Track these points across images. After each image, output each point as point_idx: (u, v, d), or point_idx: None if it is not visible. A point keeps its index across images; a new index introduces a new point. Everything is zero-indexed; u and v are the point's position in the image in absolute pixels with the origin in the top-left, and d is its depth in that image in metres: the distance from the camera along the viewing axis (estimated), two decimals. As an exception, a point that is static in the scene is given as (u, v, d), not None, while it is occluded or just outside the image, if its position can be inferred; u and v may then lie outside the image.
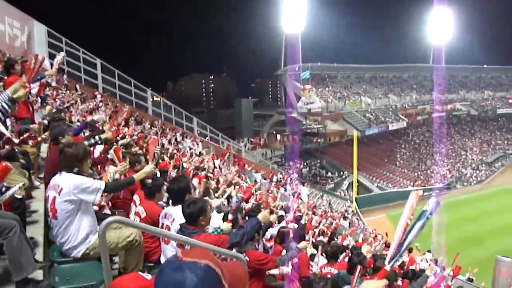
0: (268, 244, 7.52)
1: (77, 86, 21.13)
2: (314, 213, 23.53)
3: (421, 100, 71.88)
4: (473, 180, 56.79)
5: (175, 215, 4.92)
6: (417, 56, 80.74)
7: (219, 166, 21.38)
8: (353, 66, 74.25)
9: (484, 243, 33.46)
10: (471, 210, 42.99)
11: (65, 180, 4.16)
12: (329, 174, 52.77)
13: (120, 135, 10.97)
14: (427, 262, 16.78)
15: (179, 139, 25.12)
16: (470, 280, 19.74)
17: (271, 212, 5.86)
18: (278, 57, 64.97)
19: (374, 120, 62.10)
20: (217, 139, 35.71)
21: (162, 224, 5.06)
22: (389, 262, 2.15)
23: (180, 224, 4.57)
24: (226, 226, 4.92)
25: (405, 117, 66.12)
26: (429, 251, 18.81)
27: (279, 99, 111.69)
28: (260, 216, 5.07)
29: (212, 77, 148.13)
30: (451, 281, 13.48)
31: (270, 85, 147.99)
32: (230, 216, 5.23)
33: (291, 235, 7.18)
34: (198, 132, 33.87)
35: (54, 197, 4.16)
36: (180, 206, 4.73)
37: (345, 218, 34.81)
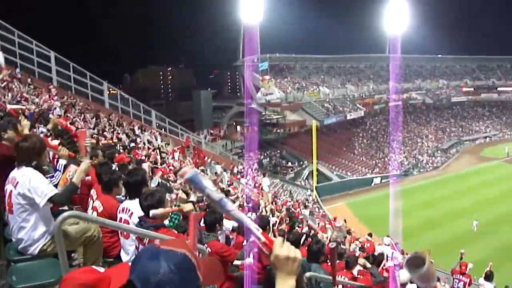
0: (231, 236, 7.57)
1: (29, 80, 20.52)
2: (275, 202, 23.75)
3: (378, 90, 73.15)
4: (429, 166, 58.36)
5: (133, 208, 4.84)
6: (374, 47, 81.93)
7: (178, 159, 21.25)
8: (311, 56, 74.79)
9: (441, 227, 34.43)
10: (427, 195, 44.14)
11: (22, 174, 4.08)
12: (289, 164, 53.17)
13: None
14: (387, 245, 17.12)
15: (137, 132, 24.77)
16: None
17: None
18: (237, 48, 64.80)
19: (332, 110, 62.87)
20: (177, 131, 35.36)
21: (120, 218, 4.95)
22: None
23: (138, 217, 4.49)
24: (189, 206, 4.96)
25: (363, 106, 67.23)
26: (388, 236, 19.24)
27: (238, 90, 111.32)
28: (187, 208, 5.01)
29: (170, 69, 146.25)
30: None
31: (229, 76, 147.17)
32: (193, 197, 5.20)
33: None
34: (157, 124, 33.45)
35: (11, 191, 4.08)
36: (137, 200, 4.67)
37: (305, 207, 35.20)
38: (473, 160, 60.85)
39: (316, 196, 44.71)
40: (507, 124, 79.84)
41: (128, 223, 4.76)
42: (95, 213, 5.26)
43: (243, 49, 62.55)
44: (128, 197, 5.17)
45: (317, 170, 49.04)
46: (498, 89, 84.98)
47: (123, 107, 30.04)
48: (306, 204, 37.44)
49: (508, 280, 18.23)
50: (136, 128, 25.83)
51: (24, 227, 4.03)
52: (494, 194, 43.37)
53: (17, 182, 4.04)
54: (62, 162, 5.26)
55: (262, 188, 29.23)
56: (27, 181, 3.99)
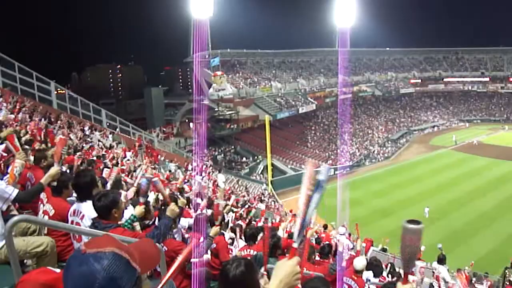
0: (187, 235, 7.41)
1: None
2: (229, 199, 23.62)
3: (329, 83, 74.05)
4: (380, 156, 59.51)
5: (84, 211, 4.68)
6: (324, 41, 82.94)
7: (131, 158, 20.79)
8: (263, 51, 75.08)
9: (394, 214, 35.17)
10: (380, 185, 45.07)
11: None
12: (244, 159, 53.13)
13: (23, 131, 10.36)
14: (342, 235, 17.28)
15: (87, 132, 24.11)
16: (384, 250, 20.63)
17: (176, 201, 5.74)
18: (187, 44, 64.17)
19: (284, 104, 63.18)
20: (128, 130, 34.64)
21: (72, 221, 4.77)
22: (297, 239, 2.08)
23: (92, 219, 4.36)
24: (139, 210, 4.87)
25: (314, 100, 67.88)
26: (343, 226, 19.46)
27: (190, 87, 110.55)
28: (168, 212, 4.96)
29: (120, 66, 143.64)
30: (366, 254, 13.98)
31: (180, 73, 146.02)
32: (141, 199, 5.07)
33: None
34: (108, 124, 32.68)
35: None
36: (88, 202, 4.57)
37: (261, 201, 35.25)
38: (423, 149, 62.52)
39: (271, 190, 44.90)
40: (454, 114, 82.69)
41: (80, 226, 4.61)
42: (46, 217, 5.07)
43: (194, 45, 62.00)
44: (78, 199, 4.94)
45: (272, 164, 49.21)
46: (445, 80, 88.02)
47: (72, 107, 29.16)
48: (262, 198, 37.52)
49: (460, 263, 18.80)
50: (86, 128, 25.15)
51: None
52: (443, 181, 44.76)
53: None
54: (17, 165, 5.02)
55: (217, 185, 29.07)
56: None
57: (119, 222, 4.51)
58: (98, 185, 5.29)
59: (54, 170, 4.75)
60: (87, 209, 4.59)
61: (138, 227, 4.95)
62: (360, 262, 7.58)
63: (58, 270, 1.86)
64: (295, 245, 2.07)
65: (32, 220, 3.63)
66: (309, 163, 2.12)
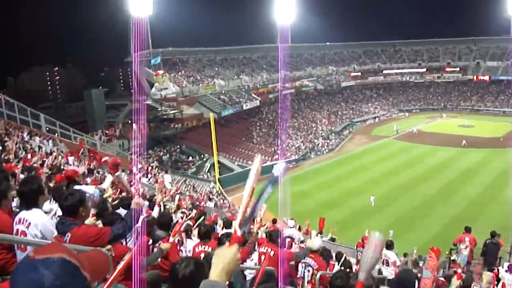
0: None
1: None
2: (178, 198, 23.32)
3: (271, 79, 74.53)
4: (325, 149, 60.42)
5: (30, 219, 4.48)
6: (265, 37, 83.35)
7: (73, 163, 20.14)
8: (204, 49, 74.98)
9: (341, 205, 35.84)
10: (326, 176, 45.86)
11: None
12: (190, 158, 52.67)
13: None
14: (292, 228, 17.38)
15: (26, 138, 23.21)
16: (332, 239, 20.93)
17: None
18: (127, 43, 62.86)
19: (228, 101, 63.13)
20: (69, 134, 33.58)
21: (17, 230, 4.53)
22: (240, 228, 2.07)
23: (59, 216, 4.45)
24: (90, 220, 4.73)
25: (258, 96, 68.21)
26: (292, 219, 19.59)
27: (131, 87, 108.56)
28: (133, 205, 4.97)
29: (57, 68, 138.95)
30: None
31: (121, 73, 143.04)
32: (93, 210, 4.93)
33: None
34: (47, 129, 31.58)
35: None
36: (35, 209, 4.49)
37: (210, 199, 35.08)
38: (365, 139, 64.09)
39: (219, 188, 44.75)
40: (393, 104, 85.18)
41: (25, 234, 4.44)
42: None
43: (133, 45, 60.81)
44: (24, 208, 4.71)
45: (218, 162, 49.01)
46: (384, 72, 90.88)
47: (8, 113, 27.96)
48: (211, 196, 37.35)
49: (407, 247, 19.32)
50: (25, 134, 24.21)
51: None
52: (387, 169, 46.12)
53: None
54: None
55: (164, 185, 28.64)
56: None
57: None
58: (45, 193, 5.04)
59: None
60: (34, 217, 4.45)
61: (100, 224, 4.87)
62: (316, 242, 7.77)
63: None
64: (238, 233, 2.05)
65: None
66: (258, 157, 2.11)
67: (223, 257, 1.96)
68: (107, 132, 61.57)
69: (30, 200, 4.65)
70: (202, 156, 52.81)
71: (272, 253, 7.37)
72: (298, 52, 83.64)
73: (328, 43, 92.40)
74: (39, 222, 4.42)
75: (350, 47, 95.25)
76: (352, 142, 63.88)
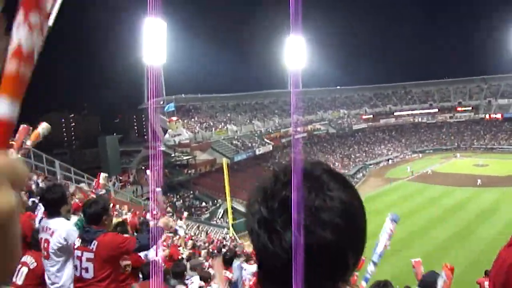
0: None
1: None
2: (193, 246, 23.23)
3: (283, 124, 74.97)
4: (338, 193, 59.89)
5: (54, 227, 4.62)
6: (276, 83, 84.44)
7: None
8: (217, 96, 75.83)
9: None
10: (339, 221, 45.31)
11: None
12: (203, 204, 52.64)
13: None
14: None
15: (41, 185, 23.47)
16: None
17: None
18: (141, 91, 64.10)
19: (241, 146, 63.48)
20: (83, 181, 33.84)
21: (41, 238, 4.72)
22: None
23: (84, 226, 4.46)
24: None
25: (270, 140, 68.49)
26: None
27: (145, 133, 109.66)
28: (161, 222, 4.87)
29: (73, 115, 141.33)
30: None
31: (135, 120, 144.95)
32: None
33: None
34: (62, 175, 31.86)
35: None
36: (57, 218, 4.63)
37: (224, 246, 34.79)
38: (379, 182, 63.47)
39: (233, 233, 44.49)
40: (406, 146, 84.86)
41: (49, 242, 4.59)
42: (25, 269, 5.00)
43: (148, 92, 61.89)
44: (47, 216, 4.89)
45: (232, 207, 48.92)
46: (395, 114, 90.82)
47: (24, 159, 28.28)
48: (224, 243, 37.07)
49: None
50: (40, 180, 24.48)
51: None
52: (402, 211, 45.28)
53: None
54: None
55: (177, 233, 28.54)
56: None
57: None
58: (68, 202, 5.19)
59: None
60: (58, 225, 4.58)
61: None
62: None
63: None
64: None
65: None
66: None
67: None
68: (121, 178, 61.81)
69: (53, 208, 4.77)
70: (215, 201, 52.79)
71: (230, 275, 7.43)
72: (309, 96, 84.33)
73: (338, 87, 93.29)
74: (62, 230, 4.53)
75: (361, 90, 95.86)
76: (366, 185, 63.40)
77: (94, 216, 4.40)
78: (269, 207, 1.00)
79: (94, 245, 4.22)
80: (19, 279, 4.94)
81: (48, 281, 4.69)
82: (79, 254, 4.31)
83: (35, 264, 5.02)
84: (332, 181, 1.03)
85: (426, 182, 58.39)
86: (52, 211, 4.77)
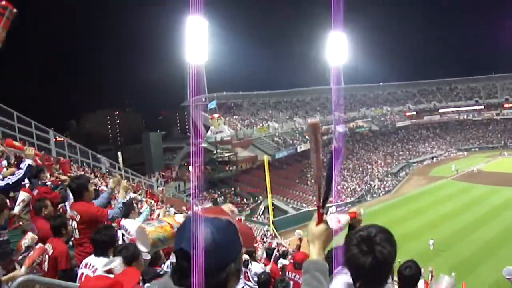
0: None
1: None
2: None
3: (325, 121, 74.47)
4: (381, 191, 59.44)
5: (97, 265, 4.74)
6: (318, 79, 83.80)
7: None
8: (258, 93, 75.95)
9: (398, 249, 34.85)
10: (382, 219, 44.67)
11: None
12: (244, 200, 52.99)
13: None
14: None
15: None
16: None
17: None
18: (184, 88, 64.99)
19: (282, 143, 63.56)
20: (127, 176, 34.66)
21: (82, 274, 4.83)
22: (321, 205, 2.28)
23: None
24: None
25: (311, 138, 68.16)
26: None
27: (188, 130, 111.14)
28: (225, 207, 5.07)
29: (117, 112, 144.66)
30: None
31: (177, 117, 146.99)
32: None
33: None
34: (107, 171, 32.69)
35: None
36: (102, 258, 4.77)
37: (264, 243, 35.01)
38: (423, 180, 62.49)
39: (273, 230, 44.66)
40: (451, 143, 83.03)
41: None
42: (46, 256, 5.19)
43: (190, 89, 62.76)
44: (94, 254, 5.04)
45: (273, 204, 49.15)
46: (440, 110, 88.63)
47: (70, 155, 29.19)
48: (264, 240, 37.30)
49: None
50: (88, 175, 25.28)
51: None
52: (447, 211, 44.60)
53: None
54: (28, 161, 5.23)
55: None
56: None
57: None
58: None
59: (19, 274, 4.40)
60: (100, 264, 4.62)
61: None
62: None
63: (112, 276, 2.00)
64: (321, 210, 2.29)
65: (37, 280, 3.75)
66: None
67: (318, 235, 2.21)
68: (164, 174, 63.03)
69: (100, 249, 4.94)
70: (256, 198, 53.06)
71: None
72: (351, 93, 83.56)
73: (381, 83, 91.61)
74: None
75: (404, 86, 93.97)
76: (410, 184, 62.52)
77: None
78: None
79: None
80: (45, 267, 5.17)
81: None
82: None
83: (52, 251, 5.25)
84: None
85: (471, 181, 57.00)
86: (100, 252, 4.96)
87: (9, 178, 5.22)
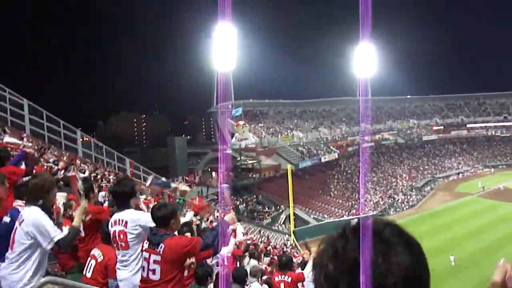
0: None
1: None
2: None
3: (351, 132, 74.24)
4: (405, 205, 58.77)
5: (126, 218, 4.89)
6: (345, 90, 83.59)
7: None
8: (284, 101, 76.10)
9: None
10: (404, 235, 44.24)
11: (29, 213, 4.13)
12: (266, 209, 52.94)
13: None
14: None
15: (112, 181, 24.51)
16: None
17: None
18: (211, 94, 65.56)
19: (306, 153, 63.40)
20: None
21: (114, 231, 4.95)
22: None
23: (150, 228, 4.57)
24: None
25: (336, 148, 67.98)
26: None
27: (213, 136, 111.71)
28: (227, 217, 4.96)
29: (144, 115, 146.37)
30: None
31: (203, 123, 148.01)
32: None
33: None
34: (131, 172, 33.06)
35: (16, 228, 4.14)
36: (127, 210, 4.90)
37: (284, 252, 34.90)
38: (448, 196, 61.53)
39: (294, 240, 44.53)
40: (478, 160, 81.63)
41: (125, 233, 4.83)
42: (93, 262, 5.32)
43: (217, 96, 63.27)
44: (117, 209, 5.17)
45: (294, 214, 49.00)
46: (467, 126, 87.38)
47: (96, 156, 29.62)
48: (284, 249, 37.17)
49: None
50: (111, 177, 25.57)
51: (21, 266, 4.04)
52: (471, 228, 43.93)
53: (23, 220, 4.10)
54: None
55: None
56: (33, 220, 4.05)
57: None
58: (137, 196, 5.57)
59: (81, 207, 4.84)
60: (129, 216, 4.84)
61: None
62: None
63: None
64: None
65: (59, 282, 3.86)
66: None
67: None
68: (187, 178, 63.36)
69: (123, 201, 5.04)
70: (278, 207, 52.99)
71: (289, 279, 7.60)
72: (378, 105, 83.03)
73: (408, 96, 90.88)
74: (134, 218, 4.79)
75: (432, 100, 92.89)
76: (434, 199, 61.62)
77: (162, 219, 4.48)
78: (337, 266, 1.03)
79: (161, 248, 4.33)
80: (88, 272, 5.28)
81: (122, 270, 4.96)
82: (147, 256, 4.46)
83: (102, 257, 5.33)
84: (400, 245, 1.09)
85: (497, 199, 55.94)
86: (122, 204, 5.04)
87: None
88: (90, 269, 5.30)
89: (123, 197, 5.06)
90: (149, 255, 4.44)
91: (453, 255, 34.55)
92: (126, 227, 4.84)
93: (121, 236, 4.83)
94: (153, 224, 4.59)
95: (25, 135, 21.94)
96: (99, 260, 5.30)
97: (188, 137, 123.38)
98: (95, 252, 5.40)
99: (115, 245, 5.01)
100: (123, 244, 4.84)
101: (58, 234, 4.14)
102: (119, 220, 4.93)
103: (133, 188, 5.21)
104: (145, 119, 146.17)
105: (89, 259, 5.41)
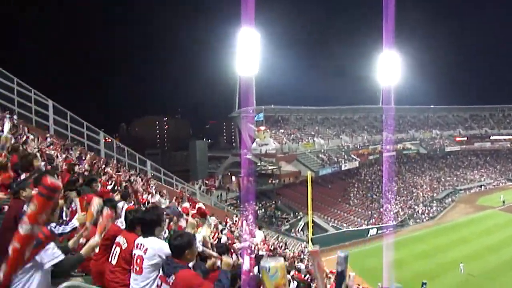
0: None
1: (26, 128, 20.50)
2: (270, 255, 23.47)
3: (372, 140, 73.81)
4: (425, 216, 58.15)
5: (147, 245, 4.94)
6: (368, 98, 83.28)
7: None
8: (306, 108, 75.99)
9: (437, 277, 34.19)
10: (424, 246, 43.92)
11: None
12: (285, 215, 52.92)
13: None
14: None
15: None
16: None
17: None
18: (233, 99, 65.84)
19: (327, 160, 63.20)
20: (171, 181, 35.26)
21: (134, 254, 5.01)
22: None
23: (166, 257, 4.65)
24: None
25: (357, 157, 67.63)
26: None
27: (233, 141, 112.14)
28: (224, 265, 5.13)
29: (166, 119, 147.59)
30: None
31: (224, 127, 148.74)
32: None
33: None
34: (152, 175, 33.36)
35: None
36: (150, 238, 4.94)
37: (301, 260, 34.80)
38: (469, 209, 60.76)
39: (312, 248, 44.30)
40: (501, 173, 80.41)
41: (142, 259, 4.87)
42: (118, 249, 5.35)
43: (239, 101, 63.60)
44: (142, 235, 5.21)
45: (313, 221, 48.81)
46: (491, 138, 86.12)
47: (118, 157, 29.97)
48: (302, 256, 37.05)
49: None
50: (132, 179, 25.83)
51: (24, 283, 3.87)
52: (491, 243, 43.35)
53: None
54: (76, 224, 5.31)
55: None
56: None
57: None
58: (162, 225, 5.50)
59: (94, 241, 4.87)
60: (150, 244, 4.88)
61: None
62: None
63: None
64: None
65: (83, 286, 3.91)
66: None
67: None
68: (207, 182, 63.73)
69: (148, 229, 5.10)
70: (296, 213, 52.91)
71: None
72: (401, 114, 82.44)
73: (432, 106, 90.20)
74: (155, 247, 4.80)
75: (456, 110, 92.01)
76: (455, 211, 60.84)
77: (177, 249, 4.53)
78: None
79: (171, 279, 4.39)
80: (113, 259, 5.29)
81: None
82: (159, 283, 4.58)
83: (126, 245, 5.31)
84: None
85: (518, 214, 55.14)
86: (147, 231, 5.11)
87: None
88: (115, 256, 5.32)
89: (149, 225, 5.15)
90: (161, 283, 4.55)
91: (462, 263, 34.37)
92: (145, 254, 4.91)
93: (138, 261, 4.90)
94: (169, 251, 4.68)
95: (48, 134, 22.32)
96: (123, 248, 5.31)
97: (209, 141, 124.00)
98: (120, 239, 5.43)
99: (131, 267, 5.06)
100: (137, 268, 4.89)
101: (59, 255, 4.02)
102: (141, 245, 5.01)
103: (159, 217, 5.29)
104: (167, 122, 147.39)
105: (114, 246, 5.44)
